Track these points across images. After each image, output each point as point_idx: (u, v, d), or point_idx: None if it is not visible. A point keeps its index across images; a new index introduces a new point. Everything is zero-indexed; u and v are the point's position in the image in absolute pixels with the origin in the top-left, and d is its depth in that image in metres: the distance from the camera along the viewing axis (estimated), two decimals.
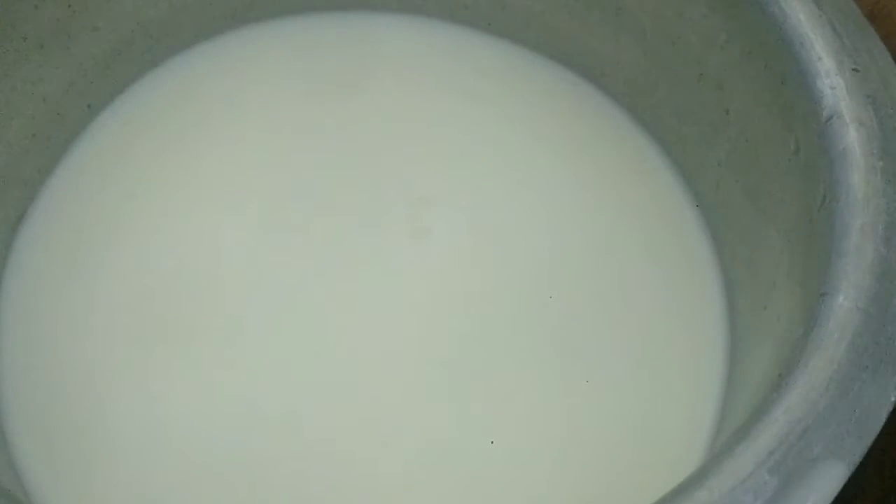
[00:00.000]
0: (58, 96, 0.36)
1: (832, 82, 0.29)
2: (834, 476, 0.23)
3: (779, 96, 0.31)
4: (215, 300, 0.35)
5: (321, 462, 0.32)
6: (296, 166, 0.37)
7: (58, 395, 0.33)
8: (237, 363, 0.34)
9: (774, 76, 0.31)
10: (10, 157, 0.35)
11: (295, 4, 0.40)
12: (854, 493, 0.24)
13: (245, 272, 0.35)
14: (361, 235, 0.36)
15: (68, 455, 0.33)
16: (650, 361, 0.34)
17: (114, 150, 0.37)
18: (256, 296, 0.35)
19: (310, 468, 0.32)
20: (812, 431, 0.24)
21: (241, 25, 0.40)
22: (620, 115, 0.39)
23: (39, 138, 0.36)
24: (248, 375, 0.33)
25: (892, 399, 0.25)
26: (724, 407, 0.32)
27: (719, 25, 0.33)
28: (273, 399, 0.33)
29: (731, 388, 0.32)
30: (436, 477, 0.32)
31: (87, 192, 0.37)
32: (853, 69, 0.29)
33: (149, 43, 0.38)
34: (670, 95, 0.37)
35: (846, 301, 0.26)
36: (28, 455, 0.33)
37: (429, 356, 0.34)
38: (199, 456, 0.32)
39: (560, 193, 0.37)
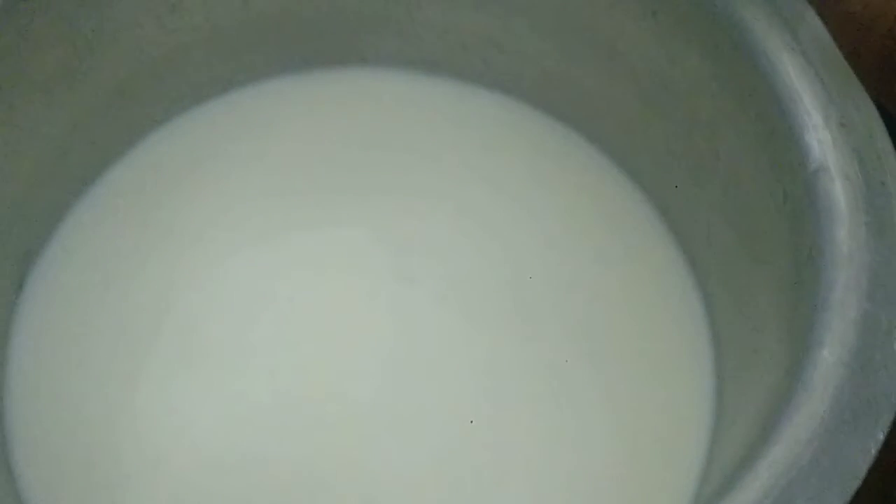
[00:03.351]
0: (63, 137, 0.36)
1: (819, 136, 0.30)
2: None
3: (768, 147, 0.32)
4: (220, 338, 0.36)
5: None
6: (295, 214, 0.38)
7: (66, 429, 0.34)
8: (236, 401, 0.35)
9: (764, 127, 0.32)
10: (16, 198, 0.35)
11: (291, 61, 0.41)
12: None
13: (245, 315, 0.36)
14: (351, 279, 0.37)
15: (77, 489, 0.33)
16: (635, 409, 0.34)
17: (126, 194, 0.39)
18: (254, 334, 0.36)
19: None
20: (795, 485, 0.25)
21: (241, 83, 0.41)
22: (607, 163, 0.40)
23: (45, 178, 0.36)
24: (241, 415, 0.35)
25: (874, 452, 0.25)
26: (710, 456, 0.33)
27: (710, 74, 0.34)
28: (270, 436, 0.34)
29: (718, 436, 0.33)
30: None
31: (98, 233, 0.38)
32: (840, 123, 0.30)
33: (154, 83, 0.38)
34: (661, 138, 0.38)
35: (830, 356, 0.26)
36: (35, 490, 0.33)
37: (411, 399, 0.35)
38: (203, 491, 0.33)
39: (546, 241, 0.38)
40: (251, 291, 0.37)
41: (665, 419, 0.34)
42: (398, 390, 0.35)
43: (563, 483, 0.33)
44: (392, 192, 0.39)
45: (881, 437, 0.25)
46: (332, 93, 0.41)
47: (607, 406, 0.35)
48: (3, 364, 0.35)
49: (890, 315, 0.27)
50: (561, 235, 0.38)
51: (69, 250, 0.38)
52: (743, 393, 0.32)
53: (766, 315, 0.31)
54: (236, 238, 0.38)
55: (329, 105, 0.41)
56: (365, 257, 0.37)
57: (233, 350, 0.36)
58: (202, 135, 0.40)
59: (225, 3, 0.38)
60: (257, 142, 0.40)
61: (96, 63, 0.36)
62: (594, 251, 0.38)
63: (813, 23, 0.32)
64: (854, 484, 0.25)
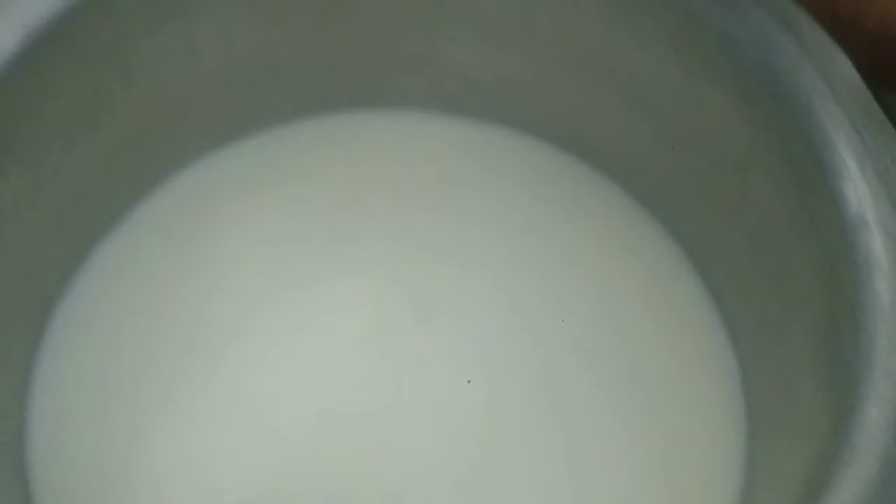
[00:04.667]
0: (84, 182, 0.36)
1: (856, 185, 0.30)
2: None
3: (801, 195, 0.31)
4: (239, 383, 0.36)
5: None
6: (317, 259, 0.38)
7: (87, 477, 0.34)
8: (251, 444, 0.35)
9: (796, 173, 0.31)
10: (37, 244, 0.35)
11: (313, 103, 0.41)
12: None
13: (265, 359, 0.36)
14: (368, 323, 0.37)
15: None
16: (662, 459, 0.34)
17: (146, 239, 0.38)
18: (272, 379, 0.36)
19: None
20: None
21: (263, 127, 0.40)
22: (634, 204, 0.39)
23: (65, 224, 0.36)
24: (257, 457, 0.35)
25: None
26: None
27: (739, 116, 0.34)
28: (288, 482, 0.34)
29: (750, 501, 0.32)
30: None
31: (119, 278, 0.38)
32: (876, 171, 0.30)
33: (175, 127, 0.38)
34: (686, 178, 0.37)
35: (876, 414, 0.26)
36: None
37: (433, 442, 0.35)
38: None
39: (567, 284, 0.38)
40: (271, 336, 0.37)
41: (694, 468, 0.34)
42: (415, 439, 0.35)
43: None
44: (418, 238, 0.39)
45: None
46: (355, 135, 0.41)
47: (630, 468, 0.34)
48: (25, 412, 0.35)
49: None
50: (576, 277, 0.38)
51: (90, 296, 0.37)
52: (777, 455, 0.31)
53: (801, 371, 0.31)
54: (257, 283, 0.38)
55: (352, 148, 0.40)
56: (386, 306, 0.37)
57: (252, 395, 0.36)
58: (223, 178, 0.40)
59: (246, 45, 0.37)
60: (279, 186, 0.39)
61: (117, 108, 0.36)
62: (617, 294, 0.38)
63: (845, 68, 0.32)
64: None
